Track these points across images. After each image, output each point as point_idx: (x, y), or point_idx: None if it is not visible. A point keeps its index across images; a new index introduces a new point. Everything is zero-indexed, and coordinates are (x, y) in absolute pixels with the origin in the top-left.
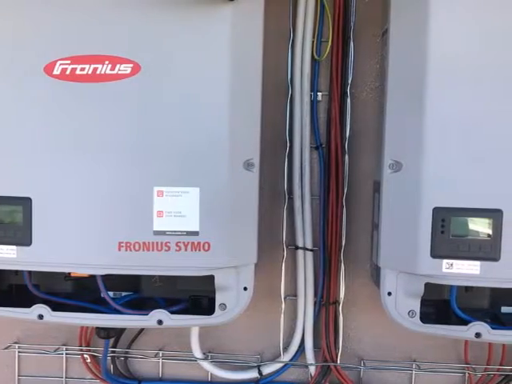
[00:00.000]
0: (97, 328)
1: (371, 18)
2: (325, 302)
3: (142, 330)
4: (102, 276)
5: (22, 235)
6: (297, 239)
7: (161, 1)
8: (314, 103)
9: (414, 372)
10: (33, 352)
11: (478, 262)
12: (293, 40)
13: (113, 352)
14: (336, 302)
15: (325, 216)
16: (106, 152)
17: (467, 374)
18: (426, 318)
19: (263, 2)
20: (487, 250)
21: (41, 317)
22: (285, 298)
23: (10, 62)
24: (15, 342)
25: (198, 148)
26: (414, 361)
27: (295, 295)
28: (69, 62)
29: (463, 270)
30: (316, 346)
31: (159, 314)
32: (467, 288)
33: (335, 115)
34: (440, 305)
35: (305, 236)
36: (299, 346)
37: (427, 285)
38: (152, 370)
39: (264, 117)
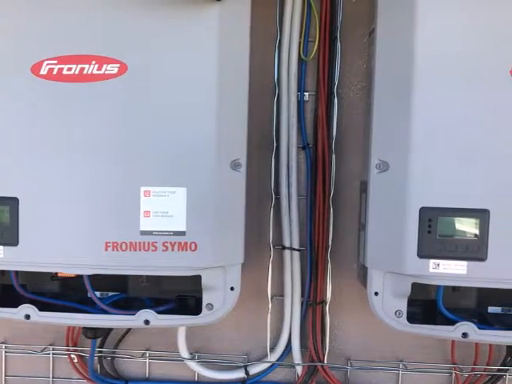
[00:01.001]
0: (84, 328)
1: (358, 17)
2: (312, 301)
3: (128, 330)
4: (88, 276)
5: (8, 235)
6: (284, 239)
7: (148, 1)
8: (300, 103)
9: (400, 372)
10: (20, 352)
11: (464, 262)
12: (280, 40)
13: (100, 352)
14: (323, 302)
15: (312, 216)
16: (93, 152)
17: (454, 374)
18: (412, 318)
19: (250, 2)
20: (474, 250)
21: (28, 317)
22: (272, 297)
23: None
24: (2, 342)
25: (184, 148)
26: (401, 361)
27: (282, 295)
28: (56, 61)
29: (450, 270)
30: (303, 345)
31: (146, 314)
32: (454, 288)
33: (322, 115)
34: (427, 305)
35: (292, 236)
36: (286, 346)
37: (414, 285)
38: (139, 370)
39: (251, 117)
